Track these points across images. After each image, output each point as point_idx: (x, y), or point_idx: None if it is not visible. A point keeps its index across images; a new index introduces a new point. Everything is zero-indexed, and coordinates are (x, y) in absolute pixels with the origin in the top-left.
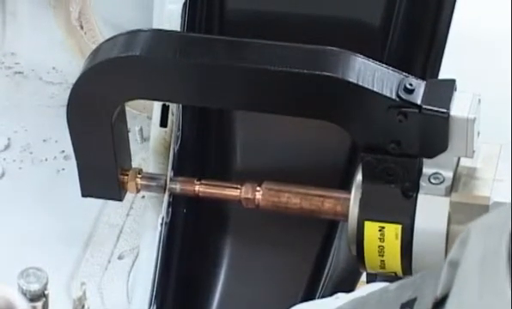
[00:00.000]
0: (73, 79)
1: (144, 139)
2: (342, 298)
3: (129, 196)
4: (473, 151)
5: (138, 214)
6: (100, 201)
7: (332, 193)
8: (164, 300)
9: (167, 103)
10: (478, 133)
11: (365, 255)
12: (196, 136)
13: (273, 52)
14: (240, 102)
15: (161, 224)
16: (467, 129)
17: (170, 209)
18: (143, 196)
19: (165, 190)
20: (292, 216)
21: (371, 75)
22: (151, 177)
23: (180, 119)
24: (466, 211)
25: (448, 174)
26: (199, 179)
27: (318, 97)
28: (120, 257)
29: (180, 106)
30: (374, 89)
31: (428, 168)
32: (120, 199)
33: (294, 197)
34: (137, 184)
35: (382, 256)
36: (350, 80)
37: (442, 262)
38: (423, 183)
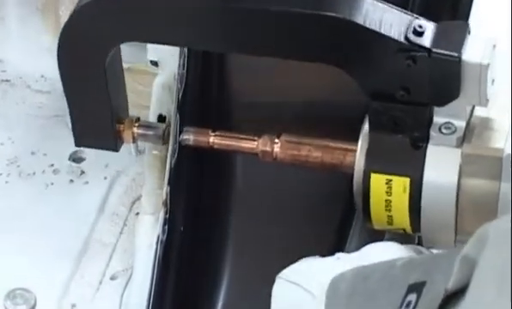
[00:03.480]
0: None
1: (139, 152)
2: (343, 258)
3: (122, 213)
4: (487, 99)
5: (132, 231)
6: (90, 219)
7: (355, 146)
8: None
9: (163, 113)
10: (493, 81)
11: (371, 210)
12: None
13: None
14: (238, 45)
15: (157, 242)
16: (480, 75)
17: (166, 227)
18: (137, 213)
19: (163, 140)
20: (296, 230)
21: (379, 16)
22: (149, 125)
23: (178, 130)
24: (479, 163)
25: (460, 124)
26: (214, 130)
27: (321, 39)
28: (113, 278)
29: (178, 115)
30: (382, 31)
31: (439, 117)
32: (116, 150)
33: (315, 150)
34: (133, 133)
35: (390, 211)
36: (356, 21)
37: (452, 239)
38: (433, 133)
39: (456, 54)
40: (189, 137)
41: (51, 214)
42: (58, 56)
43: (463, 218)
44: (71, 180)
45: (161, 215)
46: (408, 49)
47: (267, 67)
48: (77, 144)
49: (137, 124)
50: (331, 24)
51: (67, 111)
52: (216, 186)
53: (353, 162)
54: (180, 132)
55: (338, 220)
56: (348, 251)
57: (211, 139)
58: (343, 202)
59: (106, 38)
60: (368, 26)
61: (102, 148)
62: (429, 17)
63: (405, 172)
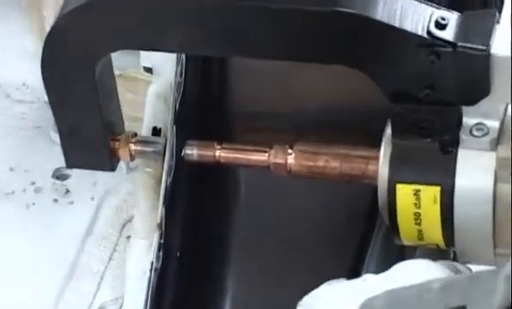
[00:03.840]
0: (46, 97)
1: (131, 169)
2: (370, 280)
3: (112, 236)
4: None
5: (123, 257)
6: (76, 243)
7: (377, 153)
8: None
9: (158, 126)
10: None
11: (399, 224)
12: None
13: None
14: (242, 48)
15: (151, 270)
16: None
17: (161, 253)
18: (128, 237)
19: (164, 155)
20: (307, 254)
21: (396, 9)
22: (147, 141)
23: (174, 144)
24: None
25: (493, 124)
26: (220, 143)
27: (334, 38)
28: None
29: (174, 127)
30: (400, 26)
31: (469, 118)
32: (112, 169)
33: (333, 160)
34: (130, 150)
35: (419, 224)
36: (372, 16)
37: (490, 252)
38: (463, 135)
39: (484, 47)
40: (192, 152)
41: (32, 237)
42: (43, 67)
43: (501, 228)
44: (55, 200)
45: (156, 239)
46: (431, 44)
47: (274, 72)
48: (68, 165)
49: (134, 140)
50: (344, 21)
51: (50, 122)
52: (218, 207)
53: (376, 172)
54: (177, 146)
55: (355, 235)
56: (367, 271)
57: (217, 153)
58: (361, 215)
59: (95, 46)
60: (385, 21)
61: (97, 168)
62: (454, 6)
63: (434, 181)
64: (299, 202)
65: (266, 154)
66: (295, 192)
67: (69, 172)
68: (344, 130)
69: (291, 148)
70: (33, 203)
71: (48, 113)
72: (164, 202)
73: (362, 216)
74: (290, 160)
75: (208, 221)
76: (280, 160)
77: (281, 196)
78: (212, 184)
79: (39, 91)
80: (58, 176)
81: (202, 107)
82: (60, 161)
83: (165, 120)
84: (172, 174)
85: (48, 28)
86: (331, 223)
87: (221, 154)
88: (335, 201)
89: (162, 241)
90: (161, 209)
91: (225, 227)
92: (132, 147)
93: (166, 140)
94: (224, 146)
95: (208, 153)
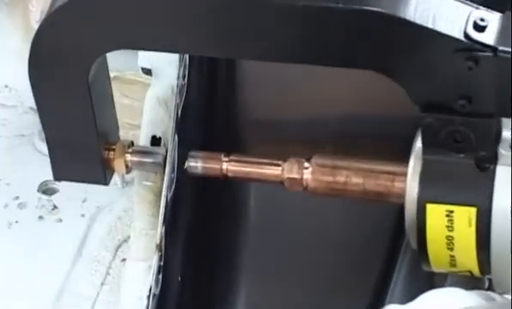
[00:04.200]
0: (31, 101)
1: (126, 183)
2: None
3: (105, 258)
4: None
5: (117, 282)
6: (65, 266)
7: (405, 169)
8: None
9: (157, 134)
10: None
11: (429, 249)
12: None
13: None
14: (255, 49)
15: (149, 296)
16: None
17: (161, 277)
18: (124, 260)
19: (164, 167)
20: (325, 278)
21: (431, 9)
22: (146, 151)
23: (176, 155)
24: None
25: None
26: (228, 154)
27: (361, 40)
28: None
29: (176, 136)
30: (435, 28)
31: (508, 131)
32: (105, 183)
33: (355, 176)
34: (126, 161)
35: (452, 249)
36: (404, 17)
37: None
38: (502, 150)
39: None
40: (196, 164)
41: (15, 259)
42: (30, 68)
43: None
44: (41, 217)
45: (155, 261)
46: (468, 48)
47: (288, 76)
48: (56, 177)
49: (130, 150)
50: (372, 20)
51: (36, 129)
52: (225, 226)
53: (403, 189)
54: (179, 157)
55: (378, 260)
56: (392, 301)
57: (224, 165)
58: (385, 237)
59: (89, 45)
60: (417, 21)
61: (88, 181)
62: (491, 6)
63: (469, 201)
64: (315, 222)
65: (280, 168)
66: (310, 211)
67: (56, 185)
68: (367, 141)
69: (308, 161)
70: (17, 221)
71: (33, 119)
72: (164, 221)
73: (386, 239)
74: (307, 174)
75: (213, 241)
76: (295, 175)
77: (295, 215)
78: (218, 201)
79: (24, 94)
80: (45, 190)
81: (207, 114)
82: (47, 174)
83: (165, 128)
84: (173, 189)
85: (35, 25)
86: (351, 246)
87: (228, 167)
88: (355, 221)
89: (162, 264)
90: (160, 228)
91: (232, 249)
92: (129, 157)
93: (166, 150)
94: (232, 158)
95: (214, 165)
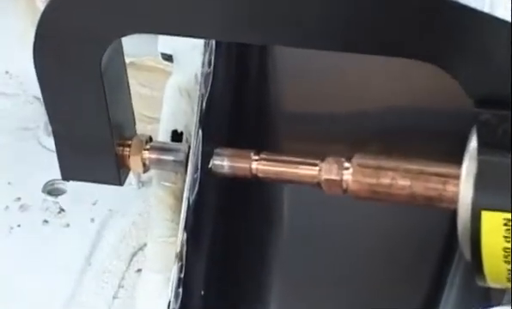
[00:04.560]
0: (35, 89)
1: (142, 183)
2: None
3: (117, 269)
4: None
5: (131, 295)
6: (72, 277)
7: (458, 170)
8: None
9: (179, 129)
10: None
11: (484, 261)
12: (222, 180)
13: None
14: (290, 35)
15: None
16: None
17: (181, 290)
18: (139, 270)
19: (186, 166)
20: (367, 292)
21: None
22: (166, 148)
23: (200, 152)
24: None
25: None
26: (258, 152)
27: (406, 26)
28: None
29: (200, 131)
30: (491, 10)
31: None
32: (119, 183)
33: (401, 178)
34: (143, 158)
35: (509, 263)
36: None
37: None
38: None
39: None
40: (223, 163)
41: (17, 268)
42: (36, 54)
43: None
44: (45, 221)
45: (174, 273)
46: None
47: (327, 65)
48: (64, 177)
49: (148, 146)
50: (421, 5)
51: (41, 121)
52: (255, 234)
53: (456, 194)
54: (203, 155)
55: (427, 273)
56: None
57: (254, 165)
58: (434, 247)
59: (102, 29)
60: (473, 5)
61: (100, 181)
62: None
63: None
64: (357, 225)
65: (317, 169)
66: (352, 212)
67: (63, 185)
68: (415, 139)
69: (348, 160)
70: (19, 225)
71: (38, 110)
72: (186, 227)
73: (435, 249)
74: (347, 175)
75: (241, 251)
76: (334, 176)
77: (335, 216)
78: (247, 204)
79: (27, 82)
80: (50, 191)
81: (236, 106)
82: (53, 172)
83: (188, 122)
84: (196, 190)
85: (41, 5)
86: (398, 253)
87: (258, 166)
88: (403, 225)
89: (183, 276)
90: (181, 235)
91: (263, 260)
92: (146, 154)
93: (189, 147)
94: (263, 156)
95: (242, 165)
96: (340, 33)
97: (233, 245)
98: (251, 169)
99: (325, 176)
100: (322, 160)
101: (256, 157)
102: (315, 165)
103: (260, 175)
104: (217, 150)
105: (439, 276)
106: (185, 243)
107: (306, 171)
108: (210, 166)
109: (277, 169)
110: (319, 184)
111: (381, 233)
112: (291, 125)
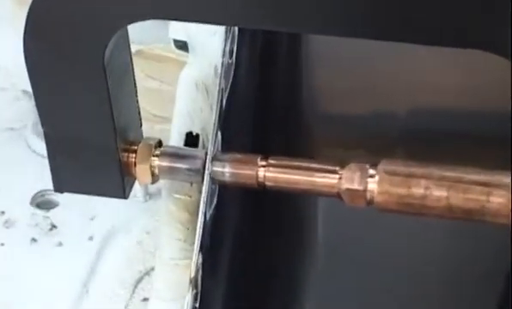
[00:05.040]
0: (26, 84)
1: (150, 196)
2: None
3: (120, 297)
4: None
5: None
6: (68, 303)
7: (507, 179)
8: None
9: (194, 130)
10: None
11: None
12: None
13: None
14: (320, 21)
15: None
16: None
17: None
18: (145, 299)
19: (203, 176)
20: None
21: None
22: (178, 153)
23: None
24: None
25: None
26: (265, 157)
27: (452, 10)
28: None
29: (220, 134)
30: None
31: None
32: (123, 196)
33: (437, 187)
34: (152, 167)
35: None
36: None
37: None
38: None
39: None
40: (223, 170)
41: (2, 294)
42: (26, 44)
43: None
44: (34, 240)
45: (188, 302)
46: None
47: (361, 57)
48: (58, 188)
49: (157, 152)
50: None
51: (29, 120)
52: (282, 253)
53: (504, 206)
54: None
55: (490, 297)
56: None
57: (262, 172)
58: (498, 269)
59: (105, 15)
60: None
61: (101, 193)
62: None
63: None
64: (404, 244)
65: (336, 176)
66: (398, 228)
67: (56, 197)
68: (451, 142)
69: (374, 167)
70: (2, 244)
71: (26, 107)
72: (202, 247)
73: (499, 271)
74: (372, 185)
75: (266, 277)
76: (357, 186)
77: (378, 234)
78: (275, 221)
79: (16, 75)
80: (40, 203)
81: (261, 104)
82: (43, 181)
83: (205, 122)
84: (214, 204)
85: None
86: (454, 279)
87: (266, 173)
88: (458, 246)
89: (198, 305)
90: (196, 257)
91: (293, 286)
92: (155, 162)
93: (206, 152)
94: (272, 162)
95: (247, 172)
96: (381, 20)
97: (257, 271)
98: (257, 177)
99: (346, 185)
100: (342, 166)
101: (263, 163)
102: (335, 172)
103: (268, 184)
104: (217, 155)
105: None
106: (200, 267)
107: (323, 179)
108: (207, 171)
109: (288, 177)
110: (338, 195)
111: (432, 252)
112: (325, 126)
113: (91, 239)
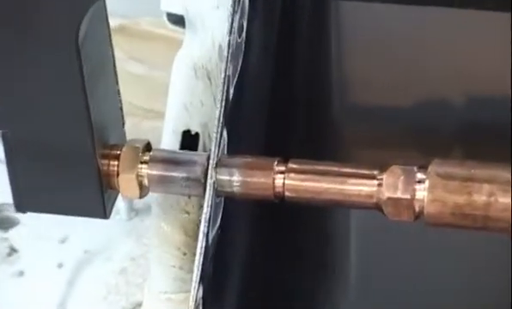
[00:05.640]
0: None
1: (136, 212)
2: None
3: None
4: None
5: None
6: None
7: None
8: None
9: (193, 128)
10: None
11: None
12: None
13: None
14: None
15: None
16: None
17: None
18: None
19: (205, 186)
20: None
21: None
22: (173, 159)
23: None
24: None
25: None
26: (284, 161)
27: None
28: None
29: (225, 131)
30: None
31: None
32: (104, 215)
33: (503, 193)
34: (140, 176)
35: None
36: None
37: None
38: None
39: None
40: (231, 178)
41: None
42: None
43: None
44: None
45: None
46: None
47: (401, 37)
48: (19, 206)
49: (146, 158)
50: None
51: None
52: (302, 286)
53: None
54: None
55: None
56: None
57: (280, 180)
58: None
59: None
60: None
61: (74, 213)
62: None
63: None
64: (437, 265)
65: (375, 182)
66: (446, 245)
67: (16, 214)
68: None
69: (423, 170)
70: None
71: None
72: (202, 277)
73: None
74: (421, 192)
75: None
76: (401, 194)
77: (413, 255)
78: (295, 242)
79: None
80: None
81: (277, 94)
82: (1, 193)
83: (207, 117)
84: (218, 224)
85: None
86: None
87: (286, 181)
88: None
89: (200, 300)
90: (196, 290)
91: None
92: (144, 170)
93: (208, 156)
94: (293, 166)
95: (261, 179)
96: None
97: (272, 306)
98: (274, 186)
99: (387, 194)
100: (383, 169)
101: (281, 168)
102: (373, 177)
103: (288, 195)
104: (222, 159)
105: None
106: (200, 302)
107: (358, 186)
108: (210, 179)
109: (313, 185)
110: (378, 207)
111: (484, 271)
112: (358, 122)
113: (60, 266)
